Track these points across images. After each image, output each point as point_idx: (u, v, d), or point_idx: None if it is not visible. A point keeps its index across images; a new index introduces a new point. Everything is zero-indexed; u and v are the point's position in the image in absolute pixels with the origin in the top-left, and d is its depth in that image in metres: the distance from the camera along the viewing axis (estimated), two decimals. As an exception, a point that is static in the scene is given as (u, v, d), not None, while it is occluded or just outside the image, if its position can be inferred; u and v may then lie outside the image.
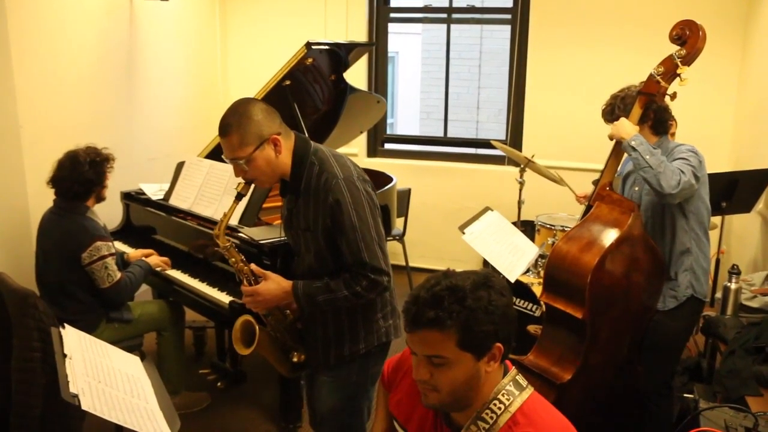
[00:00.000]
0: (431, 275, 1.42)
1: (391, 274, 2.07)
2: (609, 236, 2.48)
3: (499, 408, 1.39)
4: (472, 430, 1.40)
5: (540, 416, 1.39)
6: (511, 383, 1.42)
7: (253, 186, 2.14)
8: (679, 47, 2.48)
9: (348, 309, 2.10)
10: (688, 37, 2.46)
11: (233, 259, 2.13)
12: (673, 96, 2.51)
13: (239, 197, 2.07)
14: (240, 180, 2.07)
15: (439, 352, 1.34)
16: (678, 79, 2.49)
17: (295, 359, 2.24)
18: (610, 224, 2.53)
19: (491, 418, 1.39)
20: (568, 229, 3.96)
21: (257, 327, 2.10)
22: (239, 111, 1.96)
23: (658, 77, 2.50)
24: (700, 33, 2.44)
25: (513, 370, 1.45)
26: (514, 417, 1.38)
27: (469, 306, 1.33)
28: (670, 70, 2.49)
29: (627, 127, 2.53)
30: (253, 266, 2.13)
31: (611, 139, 2.66)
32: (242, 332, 2.15)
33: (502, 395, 1.40)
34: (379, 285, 2.02)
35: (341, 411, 2.22)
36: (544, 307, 3.44)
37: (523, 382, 1.45)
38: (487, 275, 1.41)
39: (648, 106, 2.58)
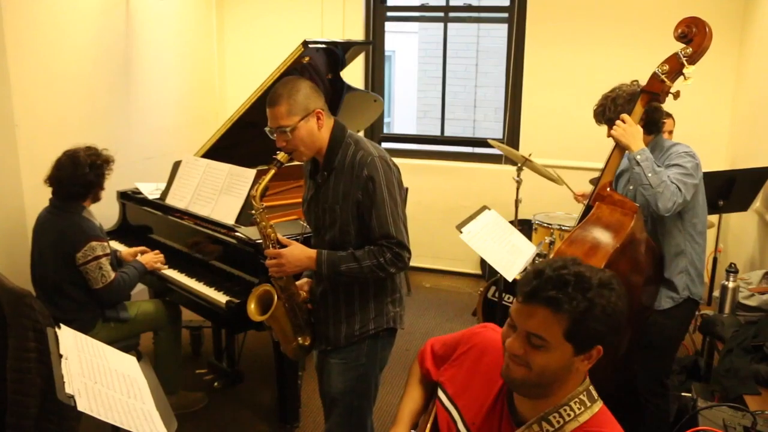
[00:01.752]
0: (558, 257, 1.38)
1: (411, 253, 2.16)
2: (613, 239, 2.42)
3: (569, 415, 1.34)
4: (534, 429, 1.36)
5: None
6: (584, 393, 1.37)
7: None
8: (684, 45, 2.42)
9: (360, 289, 2.20)
10: (694, 35, 2.40)
11: (263, 223, 2.17)
12: (677, 95, 2.45)
13: (279, 165, 2.13)
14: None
15: (543, 333, 1.29)
16: (681, 77, 2.44)
17: (300, 341, 2.29)
18: (613, 226, 2.47)
19: (558, 422, 1.34)
20: (566, 228, 3.98)
21: (275, 296, 2.15)
22: (289, 84, 2.10)
23: (663, 76, 2.44)
24: (707, 31, 2.39)
25: (587, 380, 1.40)
26: (582, 427, 1.34)
27: (590, 299, 1.28)
28: (675, 68, 2.43)
29: (636, 138, 2.48)
30: (279, 236, 2.19)
31: (609, 136, 2.65)
32: (258, 300, 2.20)
33: (575, 403, 1.35)
34: (402, 259, 2.12)
35: (350, 393, 2.27)
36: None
37: (594, 393, 1.40)
38: (612, 277, 1.35)
39: (650, 104, 2.55)
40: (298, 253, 2.14)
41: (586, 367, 1.36)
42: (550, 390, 1.35)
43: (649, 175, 2.41)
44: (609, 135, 2.68)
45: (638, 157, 2.44)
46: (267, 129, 2.12)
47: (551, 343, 1.29)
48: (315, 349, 2.35)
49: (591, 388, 1.40)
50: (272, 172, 2.14)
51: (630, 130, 2.49)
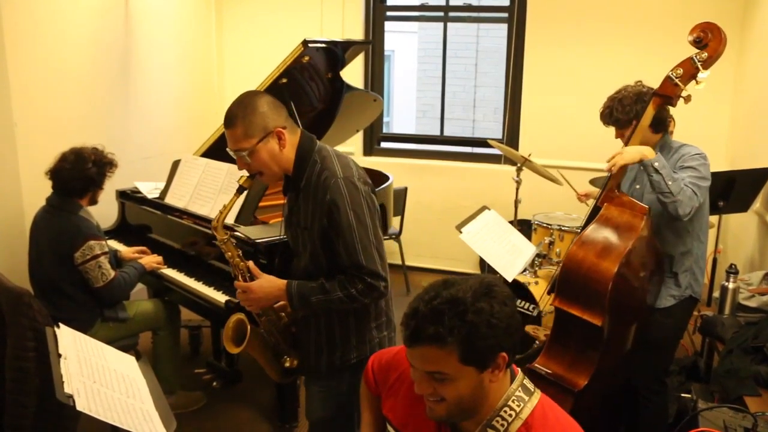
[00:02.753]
0: (430, 284, 1.35)
1: (388, 280, 2.01)
2: (624, 241, 2.40)
3: (510, 415, 1.34)
4: None
5: (551, 421, 1.35)
6: (520, 389, 1.37)
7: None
8: (698, 50, 2.41)
9: (340, 317, 2.06)
10: (709, 41, 2.39)
11: (229, 254, 2.08)
12: (688, 99, 2.43)
13: (241, 190, 2.03)
14: (242, 174, 2.03)
15: (440, 368, 1.28)
16: (694, 81, 2.42)
17: (287, 364, 2.21)
18: (623, 228, 2.45)
19: (502, 425, 1.34)
20: (566, 228, 3.98)
21: (249, 326, 2.06)
22: (245, 102, 1.94)
23: (677, 80, 2.42)
24: (722, 36, 2.37)
25: (520, 374, 1.40)
26: (526, 423, 1.34)
27: (470, 321, 1.26)
28: (689, 72, 2.41)
29: (641, 151, 2.45)
30: (250, 264, 2.09)
31: (617, 137, 2.63)
32: (234, 330, 2.11)
33: (512, 401, 1.35)
34: (375, 289, 1.96)
35: (332, 421, 2.18)
36: (546, 308, 3.43)
37: (530, 385, 1.40)
38: (489, 284, 1.33)
39: (661, 107, 2.52)
40: (268, 286, 2.03)
41: (499, 376, 1.33)
42: (477, 408, 1.35)
43: (669, 183, 2.40)
44: (617, 136, 2.68)
45: (656, 164, 2.42)
46: (228, 149, 1.99)
47: (452, 374, 1.29)
48: (302, 373, 2.25)
49: (525, 381, 1.40)
50: (233, 200, 2.04)
51: (629, 151, 2.47)
